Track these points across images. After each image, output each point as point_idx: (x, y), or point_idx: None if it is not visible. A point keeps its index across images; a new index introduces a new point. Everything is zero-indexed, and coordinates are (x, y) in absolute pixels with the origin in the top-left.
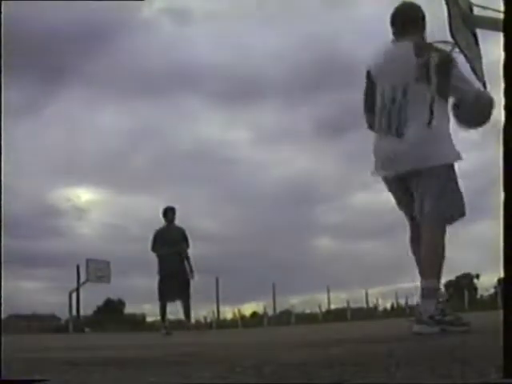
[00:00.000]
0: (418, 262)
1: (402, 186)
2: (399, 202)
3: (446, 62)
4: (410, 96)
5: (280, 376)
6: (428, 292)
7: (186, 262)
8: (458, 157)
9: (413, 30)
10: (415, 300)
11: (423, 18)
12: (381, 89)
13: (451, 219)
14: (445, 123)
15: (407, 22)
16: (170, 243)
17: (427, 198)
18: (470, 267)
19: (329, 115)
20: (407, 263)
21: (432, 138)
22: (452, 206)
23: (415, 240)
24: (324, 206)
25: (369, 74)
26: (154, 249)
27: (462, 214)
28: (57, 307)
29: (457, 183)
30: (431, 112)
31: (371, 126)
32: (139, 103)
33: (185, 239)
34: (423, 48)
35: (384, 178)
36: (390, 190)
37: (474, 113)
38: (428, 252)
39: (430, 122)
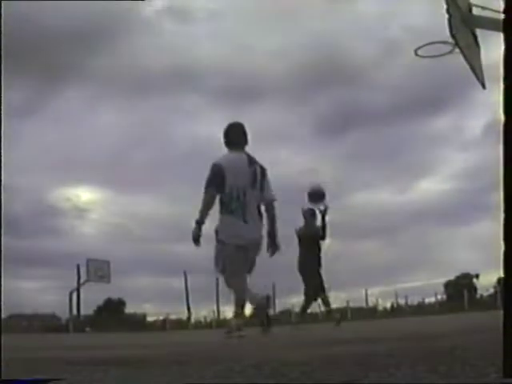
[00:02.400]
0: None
1: (241, 252)
2: (236, 262)
3: (265, 175)
4: (250, 197)
5: (280, 375)
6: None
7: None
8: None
9: (242, 144)
10: (415, 300)
11: (246, 134)
12: (229, 187)
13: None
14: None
15: (239, 137)
16: (310, 242)
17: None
18: (470, 267)
19: (329, 114)
20: (407, 263)
21: (259, 226)
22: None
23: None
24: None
25: (221, 169)
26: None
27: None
28: (57, 307)
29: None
30: (259, 209)
31: (211, 203)
32: (139, 102)
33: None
34: (252, 160)
35: (230, 245)
36: (231, 253)
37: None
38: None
39: (260, 215)
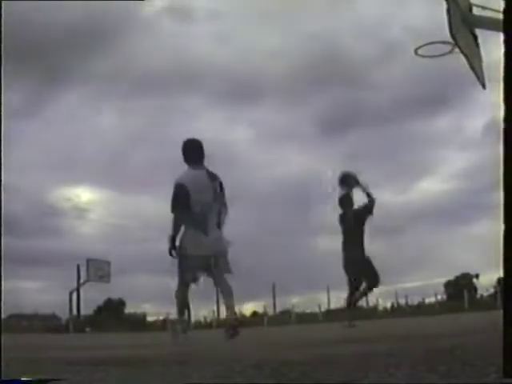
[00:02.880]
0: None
1: (204, 261)
2: (193, 271)
3: (223, 188)
4: (212, 211)
5: (280, 375)
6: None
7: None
8: (229, 245)
9: (201, 160)
10: (415, 300)
11: (203, 149)
12: (194, 203)
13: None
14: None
15: (198, 154)
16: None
17: (221, 268)
18: (470, 267)
19: (329, 114)
20: (407, 263)
21: (219, 237)
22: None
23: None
24: (324, 205)
25: (184, 188)
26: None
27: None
28: (57, 307)
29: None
30: (219, 221)
31: (181, 221)
32: (139, 102)
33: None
34: (212, 175)
35: (193, 256)
36: (193, 264)
37: None
38: (230, 296)
39: (219, 226)
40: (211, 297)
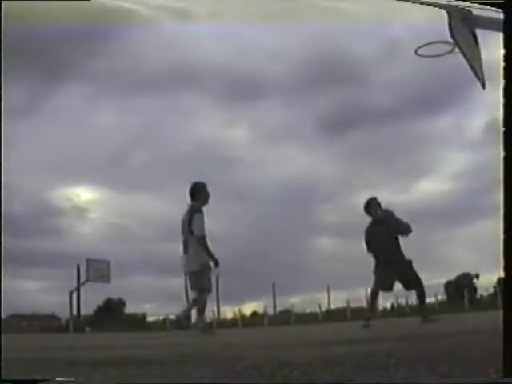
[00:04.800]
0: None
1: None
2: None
3: (192, 217)
4: (186, 238)
5: (280, 376)
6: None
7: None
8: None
9: (193, 199)
10: (415, 300)
11: (204, 190)
12: (182, 234)
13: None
14: (199, 251)
15: (191, 195)
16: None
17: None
18: (470, 267)
19: (329, 114)
20: None
21: (193, 257)
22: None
23: None
24: (324, 205)
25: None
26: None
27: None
28: (57, 307)
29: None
30: (185, 246)
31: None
32: (139, 102)
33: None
34: (189, 208)
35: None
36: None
37: None
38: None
39: (186, 251)
40: (211, 297)
